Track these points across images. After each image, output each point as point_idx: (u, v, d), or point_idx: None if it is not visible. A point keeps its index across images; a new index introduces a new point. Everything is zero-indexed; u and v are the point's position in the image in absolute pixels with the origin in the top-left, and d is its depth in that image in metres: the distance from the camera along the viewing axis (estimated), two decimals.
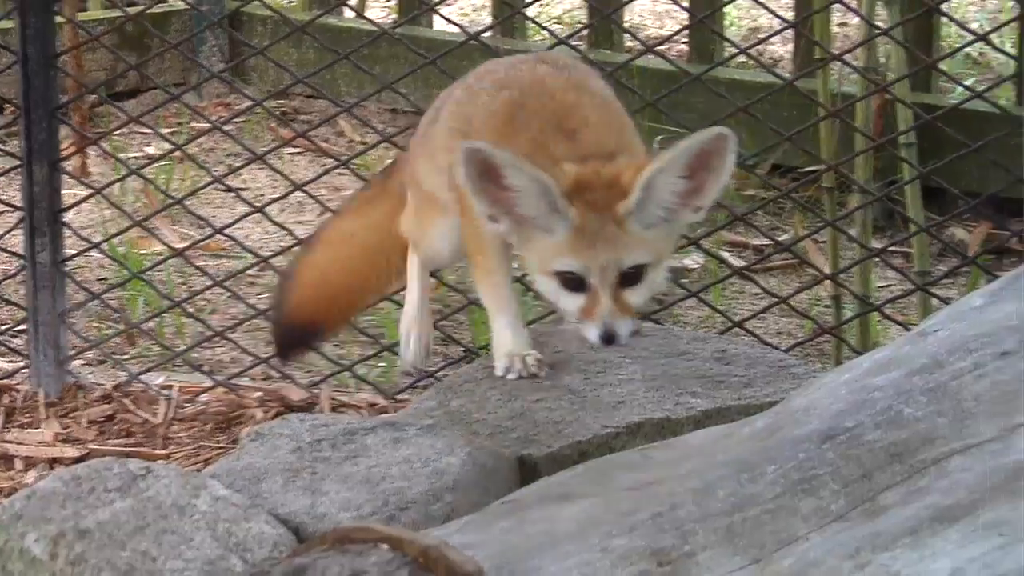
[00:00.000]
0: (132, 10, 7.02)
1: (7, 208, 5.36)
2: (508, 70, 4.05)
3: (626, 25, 7.23)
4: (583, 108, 3.86)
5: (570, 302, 3.72)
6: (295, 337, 4.56)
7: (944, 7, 5.94)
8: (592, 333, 3.67)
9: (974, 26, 6.53)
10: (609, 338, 3.65)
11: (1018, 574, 2.92)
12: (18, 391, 5.12)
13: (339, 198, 6.32)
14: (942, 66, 6.53)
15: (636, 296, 3.72)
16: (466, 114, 4.02)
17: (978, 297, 3.58)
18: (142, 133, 6.84)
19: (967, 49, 7.05)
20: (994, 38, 6.37)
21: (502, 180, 3.64)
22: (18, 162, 5.11)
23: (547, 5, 7.98)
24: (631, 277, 3.69)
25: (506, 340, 4.07)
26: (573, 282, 3.68)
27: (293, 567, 2.67)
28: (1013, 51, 6.31)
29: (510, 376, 4.03)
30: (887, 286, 5.62)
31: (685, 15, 6.89)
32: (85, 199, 5.47)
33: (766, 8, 5.33)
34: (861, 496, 2.99)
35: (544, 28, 6.15)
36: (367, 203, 4.59)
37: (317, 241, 4.64)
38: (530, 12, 6.78)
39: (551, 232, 3.68)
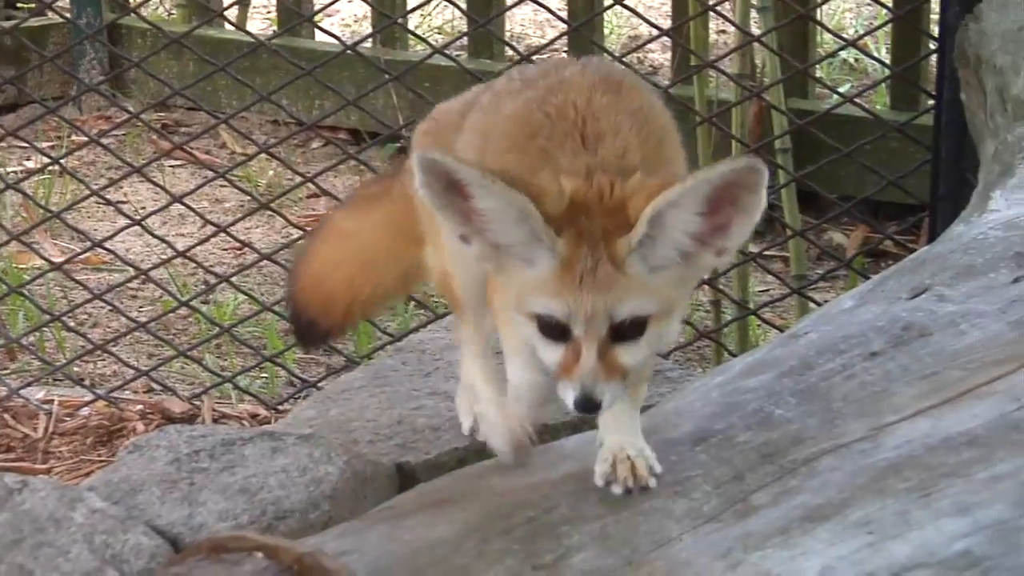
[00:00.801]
0: (8, 24, 7.01)
1: None
2: (543, 71, 3.32)
3: (507, 35, 7.24)
4: (613, 113, 3.08)
5: (548, 353, 2.89)
6: (307, 333, 4.13)
7: (822, 13, 5.99)
8: (568, 396, 2.83)
9: (849, 32, 6.59)
10: (587, 406, 2.82)
11: (886, 572, 2.95)
12: None
13: (221, 209, 6.32)
14: (818, 72, 6.58)
15: (630, 355, 2.87)
16: (486, 125, 3.30)
17: (848, 299, 3.62)
18: (21, 147, 6.78)
19: (843, 55, 7.12)
20: (869, 44, 6.46)
21: (471, 200, 2.87)
22: None
23: (427, 16, 7.98)
24: (627, 331, 2.84)
25: (513, 384, 3.24)
26: (553, 329, 2.86)
27: None
28: (887, 57, 6.35)
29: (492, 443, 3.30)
30: (766, 290, 5.67)
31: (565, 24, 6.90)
32: None
33: (641, 17, 5.36)
34: (733, 497, 3.02)
35: (422, 39, 6.15)
36: (369, 201, 4.01)
37: (317, 237, 4.14)
38: (411, 23, 6.82)
39: (531, 264, 2.88)
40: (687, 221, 2.85)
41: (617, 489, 2.99)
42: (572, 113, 3.06)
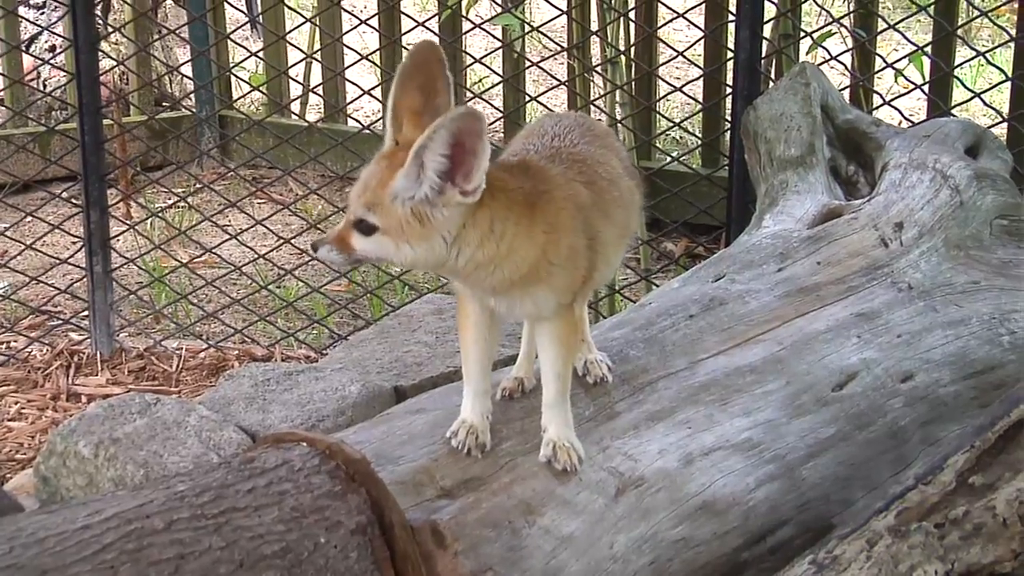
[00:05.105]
0: (159, 116, 6.93)
1: (74, 238, 5.17)
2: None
3: None
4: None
5: None
6: None
7: (658, 105, 5.91)
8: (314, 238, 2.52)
9: (677, 118, 6.51)
10: (312, 247, 2.51)
11: (699, 451, 2.92)
12: (84, 353, 4.97)
13: (288, 230, 6.21)
14: (658, 143, 6.51)
15: (359, 243, 2.47)
16: None
17: (676, 282, 3.56)
18: (164, 191, 6.66)
19: (673, 133, 7.05)
20: (688, 126, 6.38)
21: None
22: (80, 209, 4.97)
23: None
24: (362, 227, 2.46)
25: (464, 407, 2.77)
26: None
27: (247, 457, 2.56)
28: (701, 133, 6.28)
29: (453, 443, 2.73)
30: (626, 278, 5.57)
31: (501, 113, 6.80)
32: (124, 232, 5.37)
33: (549, 109, 5.26)
34: (603, 406, 2.95)
35: None
36: None
37: None
38: None
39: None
40: (437, 161, 2.38)
41: (558, 466, 2.71)
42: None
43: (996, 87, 4.83)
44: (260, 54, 6.70)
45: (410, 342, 4.11)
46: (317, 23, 6.41)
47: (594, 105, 5.34)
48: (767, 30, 4.82)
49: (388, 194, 2.42)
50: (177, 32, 6.64)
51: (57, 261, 5.19)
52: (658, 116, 6.15)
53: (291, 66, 6.84)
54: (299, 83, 7.20)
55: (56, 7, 7.32)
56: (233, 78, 7.45)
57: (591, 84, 5.54)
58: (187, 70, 7.29)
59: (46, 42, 7.40)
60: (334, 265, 2.54)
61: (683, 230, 5.55)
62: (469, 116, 2.34)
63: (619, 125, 5.19)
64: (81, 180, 4.89)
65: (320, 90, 6.41)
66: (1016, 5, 5.26)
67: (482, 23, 5.29)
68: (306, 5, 8.75)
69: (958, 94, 5.39)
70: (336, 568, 2.38)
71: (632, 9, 5.45)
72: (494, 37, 5.69)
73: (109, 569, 2.18)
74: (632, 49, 5.62)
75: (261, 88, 7.06)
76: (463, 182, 2.42)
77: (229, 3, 6.51)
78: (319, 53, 6.70)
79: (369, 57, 5.60)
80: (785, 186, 3.88)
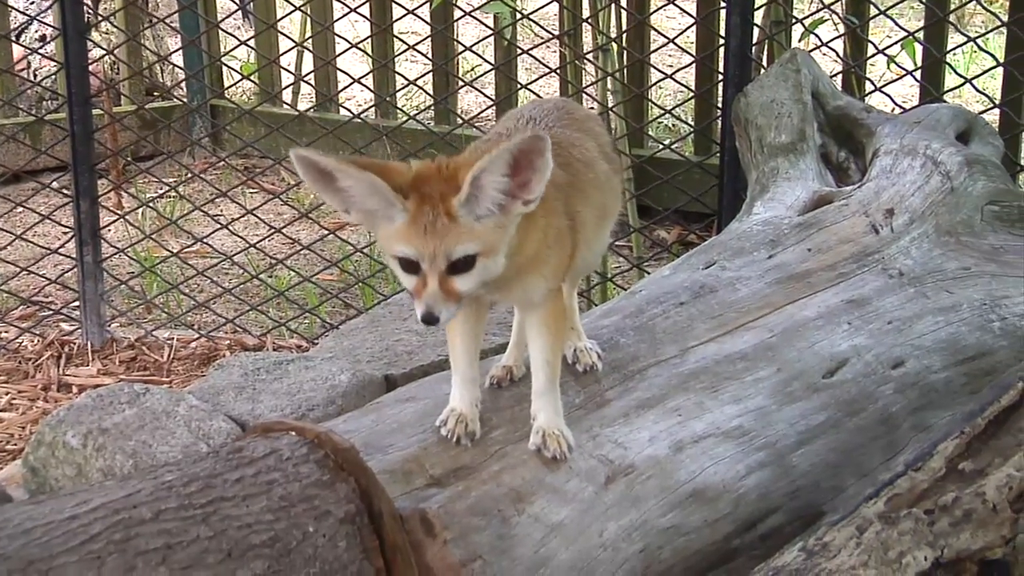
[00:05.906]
0: (150, 105, 6.91)
1: (65, 228, 5.14)
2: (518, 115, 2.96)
3: (458, 109, 7.11)
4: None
5: (407, 281, 2.51)
6: None
7: (650, 93, 5.90)
8: (418, 311, 2.49)
9: (668, 105, 6.49)
10: (428, 320, 2.48)
11: (690, 439, 2.91)
12: (74, 343, 4.95)
13: (280, 219, 6.20)
14: (650, 130, 6.50)
15: (464, 283, 2.49)
16: None
17: (667, 269, 3.55)
18: (155, 181, 6.63)
19: (664, 120, 7.03)
20: (681, 113, 6.37)
21: (336, 183, 2.48)
22: (70, 199, 4.95)
23: (410, 97, 7.85)
24: (460, 265, 2.48)
25: (453, 395, 2.79)
26: (409, 265, 2.49)
27: (235, 447, 2.55)
28: (692, 121, 6.27)
29: (443, 432, 2.74)
30: (618, 266, 5.57)
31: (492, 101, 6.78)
32: (114, 221, 5.35)
33: (538, 95, 5.24)
34: (593, 394, 2.94)
35: (404, 112, 6.03)
36: None
37: None
38: (399, 101, 6.69)
39: (392, 221, 2.49)
40: (497, 181, 2.45)
41: (547, 454, 2.71)
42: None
43: (988, 72, 4.83)
44: (251, 43, 6.67)
45: (401, 331, 4.10)
46: (308, 12, 6.39)
47: (585, 93, 5.33)
48: (758, 17, 4.81)
49: (464, 222, 2.46)
50: (167, 21, 6.62)
51: (47, 251, 5.17)
52: (649, 103, 6.13)
53: (282, 55, 6.83)
54: (290, 72, 7.17)
55: None
56: (224, 67, 7.43)
57: (582, 72, 5.52)
58: (178, 59, 7.27)
59: (36, 31, 7.37)
60: (451, 318, 2.53)
61: (675, 217, 5.54)
62: (535, 139, 2.42)
63: (610, 113, 5.17)
64: (71, 170, 4.87)
65: (311, 79, 6.38)
66: None
67: (473, 11, 5.26)
68: None
69: (950, 80, 5.38)
70: (324, 557, 2.37)
71: None
72: (485, 25, 5.67)
73: (96, 559, 2.17)
74: (623, 36, 5.60)
75: (252, 77, 7.03)
76: (523, 193, 2.48)
77: None
78: (310, 42, 6.68)
79: (360, 46, 5.59)
80: (776, 173, 3.87)
